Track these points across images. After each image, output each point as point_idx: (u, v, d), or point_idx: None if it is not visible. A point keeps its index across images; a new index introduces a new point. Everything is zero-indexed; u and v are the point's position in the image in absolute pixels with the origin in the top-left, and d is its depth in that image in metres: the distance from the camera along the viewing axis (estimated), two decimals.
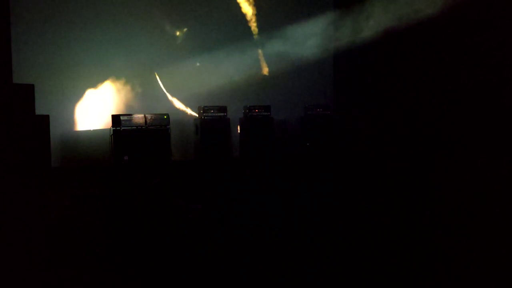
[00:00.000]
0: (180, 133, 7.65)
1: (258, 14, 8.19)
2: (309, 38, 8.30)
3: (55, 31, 6.90)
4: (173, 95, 7.73)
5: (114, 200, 5.41)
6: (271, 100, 7.95)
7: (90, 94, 7.18)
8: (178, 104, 7.76)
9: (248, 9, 8.14)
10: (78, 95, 7.10)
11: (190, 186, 6.07)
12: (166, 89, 7.66)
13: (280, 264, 3.30)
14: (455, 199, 4.76)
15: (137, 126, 6.73)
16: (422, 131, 6.43)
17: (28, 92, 4.41)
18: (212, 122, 7.31)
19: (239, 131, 7.84)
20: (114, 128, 6.63)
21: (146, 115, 6.82)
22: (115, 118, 6.65)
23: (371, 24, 7.36)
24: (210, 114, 7.31)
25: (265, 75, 8.35)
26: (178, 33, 7.77)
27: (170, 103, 7.68)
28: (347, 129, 8.05)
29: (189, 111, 7.79)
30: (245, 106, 7.72)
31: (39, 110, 5.59)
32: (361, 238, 3.81)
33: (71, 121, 7.07)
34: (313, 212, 4.67)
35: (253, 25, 8.19)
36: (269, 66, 8.33)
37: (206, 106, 7.33)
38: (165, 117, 6.93)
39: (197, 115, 7.69)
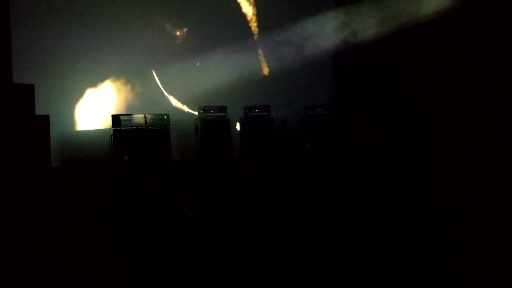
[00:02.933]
0: (180, 133, 7.65)
1: (258, 14, 8.18)
2: (309, 38, 8.30)
3: (55, 31, 6.90)
4: (172, 95, 7.72)
5: (114, 200, 5.41)
6: (271, 100, 7.95)
7: (90, 94, 7.17)
8: (175, 102, 7.75)
9: (248, 9, 8.14)
10: (78, 95, 7.10)
11: (190, 186, 6.07)
12: (164, 88, 7.66)
13: (280, 263, 3.29)
14: (456, 199, 4.76)
15: (137, 126, 6.73)
16: (423, 130, 6.43)
17: (28, 92, 4.39)
18: (212, 122, 7.31)
19: (239, 131, 7.84)
20: (114, 128, 6.63)
21: (146, 115, 6.82)
22: (115, 118, 6.65)
23: (371, 23, 7.36)
24: (210, 114, 7.31)
25: (265, 75, 8.35)
26: (178, 33, 7.77)
27: (170, 103, 7.67)
28: (347, 129, 8.04)
29: (186, 108, 7.78)
30: (245, 106, 7.72)
31: (39, 110, 5.57)
32: (361, 237, 3.81)
33: (71, 121, 7.06)
34: (313, 211, 4.66)
35: (253, 25, 8.19)
36: (269, 66, 8.33)
37: (206, 106, 7.32)
38: (165, 117, 6.93)
39: (195, 113, 7.70)
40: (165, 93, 7.67)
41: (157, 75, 7.60)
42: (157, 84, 7.62)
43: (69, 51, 6.99)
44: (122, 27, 7.31)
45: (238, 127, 7.90)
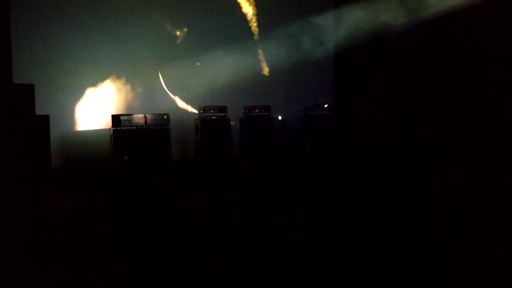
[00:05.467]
0: (180, 133, 7.65)
1: (259, 14, 8.18)
2: (309, 38, 8.30)
3: (55, 31, 6.90)
4: (173, 95, 7.73)
5: (114, 200, 5.40)
6: (271, 100, 7.95)
7: (90, 94, 7.18)
8: (180, 103, 7.77)
9: (248, 9, 8.14)
10: (78, 95, 7.10)
11: (190, 186, 6.07)
12: (167, 89, 7.67)
13: (280, 263, 3.29)
14: (456, 198, 4.76)
15: (137, 126, 6.73)
16: (423, 130, 6.43)
17: (28, 92, 4.40)
18: (212, 122, 7.31)
19: (239, 131, 7.84)
20: (114, 128, 6.63)
21: (146, 115, 6.82)
22: (115, 118, 6.65)
23: (371, 23, 7.36)
24: (210, 114, 7.31)
25: (265, 75, 8.35)
26: (178, 33, 7.77)
27: (170, 103, 7.67)
28: (347, 129, 8.04)
29: (190, 108, 7.78)
30: (245, 106, 7.72)
31: (39, 110, 5.57)
32: (361, 237, 3.81)
33: (71, 121, 7.07)
34: (313, 212, 4.66)
35: (254, 25, 8.19)
36: (269, 66, 8.33)
37: (206, 106, 7.33)
38: (165, 117, 6.93)
39: (197, 113, 7.71)
40: (171, 95, 7.68)
41: (162, 76, 7.61)
42: (160, 84, 7.62)
43: (69, 51, 6.99)
44: (122, 27, 7.32)
45: (238, 126, 7.87)
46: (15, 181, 3.85)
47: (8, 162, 3.81)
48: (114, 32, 7.27)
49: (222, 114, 7.39)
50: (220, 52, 7.84)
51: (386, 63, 7.31)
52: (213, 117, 7.32)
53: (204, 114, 7.29)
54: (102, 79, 7.25)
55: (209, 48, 7.84)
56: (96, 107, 7.20)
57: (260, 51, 8.26)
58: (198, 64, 7.87)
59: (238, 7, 8.11)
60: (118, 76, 7.34)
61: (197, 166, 7.27)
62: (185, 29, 7.80)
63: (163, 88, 7.66)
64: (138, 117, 6.76)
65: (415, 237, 3.76)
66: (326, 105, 8.12)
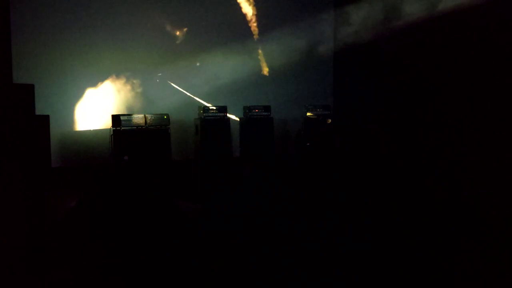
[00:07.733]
0: (180, 133, 7.64)
1: (258, 14, 8.18)
2: (309, 38, 8.30)
3: (55, 31, 6.89)
4: (174, 94, 7.72)
5: (114, 200, 5.40)
6: (271, 100, 7.94)
7: (90, 94, 7.17)
8: (200, 100, 7.78)
9: (248, 9, 8.14)
10: (78, 95, 7.09)
11: (190, 186, 6.07)
12: (164, 88, 7.66)
13: (280, 264, 3.29)
14: (456, 199, 4.76)
15: (137, 126, 6.73)
16: (423, 130, 6.43)
17: (28, 92, 4.39)
18: (212, 122, 7.31)
19: (239, 131, 7.84)
20: (114, 128, 6.63)
21: (146, 115, 6.82)
22: (115, 118, 6.65)
23: (371, 23, 7.36)
24: (210, 114, 7.31)
25: (265, 75, 8.35)
26: (178, 33, 7.77)
27: (170, 103, 7.64)
28: (347, 129, 8.04)
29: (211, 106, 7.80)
30: (245, 106, 7.72)
31: (39, 110, 5.57)
32: (362, 238, 3.81)
33: (71, 121, 7.06)
34: (314, 212, 4.66)
35: (253, 25, 8.19)
36: (269, 66, 8.33)
37: (206, 106, 7.34)
38: (165, 117, 6.93)
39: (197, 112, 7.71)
40: (187, 93, 7.71)
41: (160, 76, 7.60)
42: (161, 85, 7.62)
43: (69, 51, 6.98)
44: (122, 27, 7.31)
45: (238, 126, 7.86)
46: (15, 181, 3.85)
47: (8, 162, 3.81)
48: (114, 32, 7.26)
49: (222, 114, 7.39)
50: (220, 52, 7.84)
51: (386, 63, 7.31)
52: (213, 117, 7.32)
53: (204, 114, 7.29)
54: (102, 79, 7.24)
55: (209, 48, 7.83)
56: (96, 107, 7.19)
57: (260, 51, 8.26)
58: (197, 64, 7.86)
59: (238, 7, 8.11)
60: (118, 76, 7.34)
61: (197, 166, 7.27)
62: (185, 29, 7.80)
63: (169, 87, 7.65)
64: (138, 117, 6.76)
65: (416, 237, 3.76)
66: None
